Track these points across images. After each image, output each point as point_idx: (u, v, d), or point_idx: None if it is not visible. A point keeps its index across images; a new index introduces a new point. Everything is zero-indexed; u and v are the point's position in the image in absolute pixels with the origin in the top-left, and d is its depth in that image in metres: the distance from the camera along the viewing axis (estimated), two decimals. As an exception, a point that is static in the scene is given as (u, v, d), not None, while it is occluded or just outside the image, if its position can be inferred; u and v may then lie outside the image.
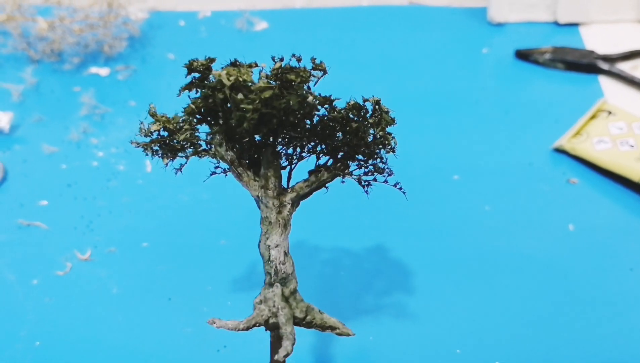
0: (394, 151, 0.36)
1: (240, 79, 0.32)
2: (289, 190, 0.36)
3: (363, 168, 0.37)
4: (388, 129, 0.36)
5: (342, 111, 0.35)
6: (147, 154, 0.36)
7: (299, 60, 0.34)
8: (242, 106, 0.32)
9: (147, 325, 0.47)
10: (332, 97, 0.35)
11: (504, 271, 0.50)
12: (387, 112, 0.36)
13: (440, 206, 0.54)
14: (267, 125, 0.33)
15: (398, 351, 0.45)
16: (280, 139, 0.35)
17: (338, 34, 0.72)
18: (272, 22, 0.73)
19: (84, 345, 0.46)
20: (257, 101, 0.32)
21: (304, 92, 0.33)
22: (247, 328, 0.37)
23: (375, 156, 0.36)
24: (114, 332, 0.46)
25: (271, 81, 0.33)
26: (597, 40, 0.69)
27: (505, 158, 0.58)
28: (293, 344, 0.36)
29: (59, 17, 0.68)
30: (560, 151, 0.58)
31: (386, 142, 0.35)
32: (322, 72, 0.35)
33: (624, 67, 0.65)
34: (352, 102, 0.35)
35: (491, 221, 0.53)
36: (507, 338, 0.46)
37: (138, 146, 0.36)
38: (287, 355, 0.36)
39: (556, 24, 0.71)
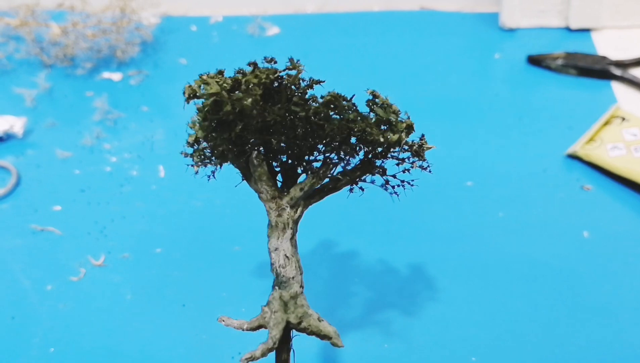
0: (421, 154, 0.36)
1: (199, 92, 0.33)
2: (285, 194, 0.36)
3: (382, 175, 0.36)
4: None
5: (322, 101, 0.34)
6: (195, 164, 0.36)
7: (269, 61, 0.34)
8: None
9: (162, 332, 0.47)
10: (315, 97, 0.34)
11: (519, 278, 0.49)
12: (383, 106, 0.35)
13: (453, 212, 0.54)
14: (228, 129, 0.33)
15: (413, 359, 0.45)
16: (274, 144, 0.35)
17: (349, 39, 0.72)
18: (283, 27, 0.74)
19: (98, 352, 0.46)
20: (206, 109, 0.33)
21: (257, 94, 0.33)
22: (252, 329, 0.37)
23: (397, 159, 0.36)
24: (128, 339, 0.46)
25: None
26: (609, 45, 0.69)
27: (518, 164, 0.58)
28: (269, 348, 0.36)
29: (72, 22, 0.68)
30: (573, 157, 0.58)
31: (399, 140, 0.35)
32: (296, 71, 0.34)
33: (637, 73, 0.65)
34: (331, 93, 0.34)
35: (505, 228, 0.53)
36: (522, 346, 0.45)
37: (187, 156, 0.36)
38: (251, 358, 0.36)
39: (568, 29, 0.71)
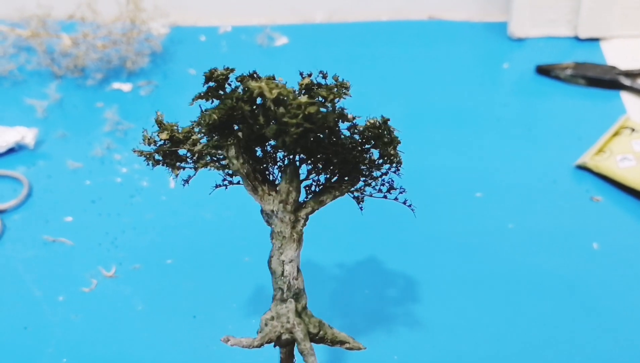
0: (399, 170, 0.36)
1: (284, 93, 0.32)
2: (304, 205, 0.36)
3: (372, 186, 0.37)
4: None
5: (373, 123, 0.34)
6: (148, 164, 0.35)
7: (325, 76, 0.34)
8: (284, 120, 0.31)
9: (173, 343, 0.47)
10: (353, 116, 0.35)
11: (528, 290, 0.49)
12: (393, 131, 0.35)
13: (462, 223, 0.54)
14: (303, 140, 0.32)
15: (423, 371, 0.45)
16: (301, 155, 0.35)
17: (358, 49, 0.72)
18: (292, 37, 0.74)
19: (110, 362, 0.46)
20: (300, 116, 0.31)
21: (338, 109, 0.33)
22: (261, 345, 0.37)
23: (383, 174, 0.36)
24: (140, 350, 0.47)
25: (319, 98, 0.33)
26: (618, 55, 0.69)
27: (527, 175, 0.58)
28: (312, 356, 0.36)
29: (83, 33, 0.69)
30: (583, 168, 0.58)
31: (395, 160, 0.35)
32: (346, 90, 0.34)
33: (647, 83, 0.65)
34: (383, 118, 0.35)
35: (514, 239, 0.53)
36: (532, 358, 0.45)
37: (141, 155, 0.35)
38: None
39: (577, 39, 0.71)
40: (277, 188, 0.35)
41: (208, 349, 0.47)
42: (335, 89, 0.33)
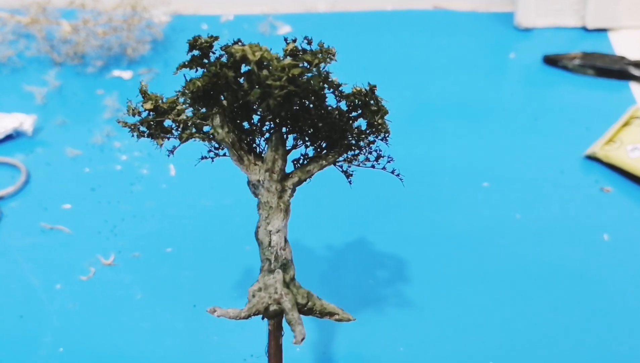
0: (386, 139, 0.35)
1: (267, 56, 0.31)
2: (291, 175, 0.35)
3: (359, 155, 0.36)
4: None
5: (360, 90, 0.34)
6: (132, 135, 0.35)
7: (309, 42, 0.33)
8: (267, 82, 0.31)
9: (172, 333, 0.46)
10: (338, 82, 0.34)
11: (537, 282, 0.48)
12: (380, 101, 0.35)
13: (470, 214, 0.53)
14: (288, 104, 0.32)
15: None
16: (287, 125, 0.34)
17: (362, 39, 0.71)
18: (295, 26, 0.73)
19: (108, 352, 0.45)
20: (284, 78, 0.31)
21: (324, 72, 0.32)
22: (248, 317, 0.36)
23: (370, 143, 0.35)
24: (139, 339, 0.46)
25: (304, 63, 0.32)
26: (627, 45, 0.68)
27: (536, 165, 0.57)
28: (303, 334, 0.35)
29: (83, 20, 0.68)
30: (592, 158, 0.57)
31: (383, 129, 0.34)
32: (332, 55, 0.34)
33: (656, 73, 0.64)
34: (358, 88, 0.34)
35: (522, 230, 0.52)
36: (541, 350, 0.44)
37: (125, 126, 0.35)
38: (303, 338, 0.34)
39: (584, 29, 0.70)
40: (263, 157, 0.35)
41: (208, 338, 0.46)
42: (320, 54, 0.33)
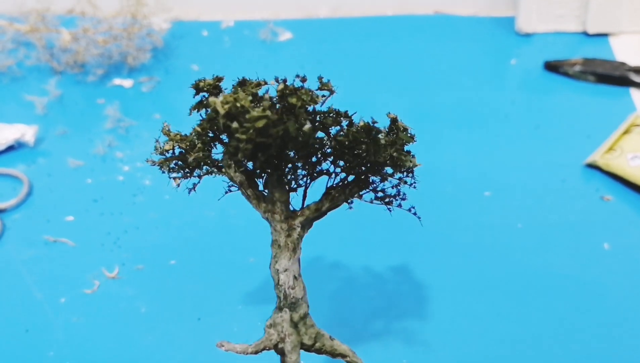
0: (411, 173, 0.35)
1: (238, 105, 0.30)
2: (299, 213, 0.35)
3: (375, 191, 0.36)
4: (408, 147, 0.34)
5: (352, 131, 0.33)
6: (163, 172, 0.36)
7: (303, 80, 0.33)
8: (236, 135, 0.31)
9: (177, 346, 0.46)
10: (348, 113, 0.34)
11: (537, 291, 0.49)
12: (404, 130, 0.34)
13: (471, 223, 0.53)
14: (264, 153, 0.32)
15: (432, 375, 0.44)
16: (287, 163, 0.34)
17: (363, 44, 0.71)
18: (296, 32, 0.73)
19: (114, 366, 0.45)
20: (251, 131, 0.30)
21: (304, 118, 0.32)
22: (256, 352, 0.36)
23: (386, 178, 0.35)
24: (143, 353, 0.46)
25: (275, 106, 0.31)
26: (628, 51, 0.68)
27: (537, 173, 0.57)
28: None
29: (83, 28, 0.68)
30: (593, 166, 0.57)
31: (399, 163, 0.33)
32: (329, 92, 0.33)
33: (657, 79, 0.64)
34: (362, 123, 0.33)
35: (523, 239, 0.52)
36: (541, 359, 0.45)
37: (154, 165, 0.35)
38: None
39: (585, 34, 0.70)
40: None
41: (213, 352, 0.46)
42: (308, 95, 0.32)
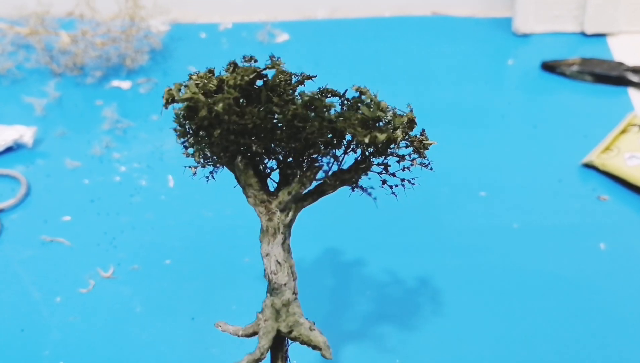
0: (380, 149, 0.33)
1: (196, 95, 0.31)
2: (274, 197, 0.35)
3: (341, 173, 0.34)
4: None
5: (292, 108, 0.31)
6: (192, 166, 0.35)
7: (248, 60, 0.33)
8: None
9: (171, 345, 0.46)
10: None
11: (533, 291, 0.48)
12: (372, 106, 0.32)
13: (467, 223, 0.53)
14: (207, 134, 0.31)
15: (426, 374, 0.44)
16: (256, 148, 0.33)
17: (360, 45, 0.71)
18: (293, 34, 0.73)
19: (108, 365, 0.45)
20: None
21: (231, 97, 0.31)
22: (247, 336, 0.36)
23: (338, 159, 0.33)
24: (138, 352, 0.46)
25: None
26: (625, 51, 0.68)
27: (533, 173, 0.57)
28: (256, 359, 0.36)
29: (82, 30, 0.68)
30: (589, 166, 0.57)
31: (357, 139, 0.32)
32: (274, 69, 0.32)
33: (655, 79, 0.64)
34: (306, 97, 0.32)
35: (519, 239, 0.52)
36: (537, 358, 0.44)
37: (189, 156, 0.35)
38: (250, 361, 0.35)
39: (583, 34, 0.70)
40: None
41: (207, 351, 0.46)
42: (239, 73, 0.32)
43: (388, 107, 0.33)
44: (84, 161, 0.60)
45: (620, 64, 0.65)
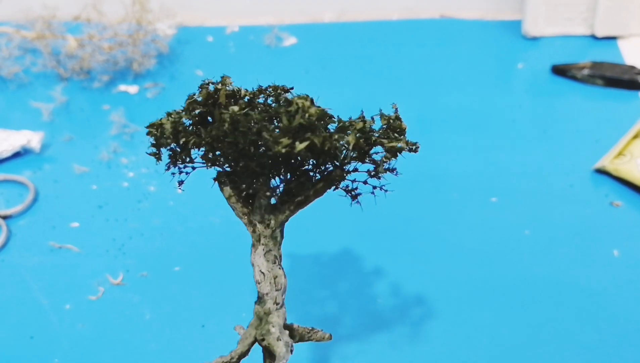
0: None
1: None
2: (249, 210, 0.36)
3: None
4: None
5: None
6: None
7: (206, 85, 0.34)
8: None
9: (181, 353, 0.46)
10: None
11: (545, 298, 0.48)
12: (297, 111, 0.32)
13: (477, 229, 0.53)
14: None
15: (438, 383, 0.44)
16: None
17: (368, 49, 0.71)
18: (300, 37, 0.73)
19: (118, 373, 0.45)
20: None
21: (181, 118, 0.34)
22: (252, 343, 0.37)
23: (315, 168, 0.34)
24: (148, 360, 0.46)
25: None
26: (637, 54, 0.67)
27: (544, 179, 0.56)
28: (225, 362, 0.37)
29: (89, 34, 0.68)
30: (602, 172, 0.56)
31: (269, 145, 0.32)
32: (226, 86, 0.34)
33: (667, 83, 0.63)
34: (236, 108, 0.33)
35: (531, 246, 0.51)
36: (550, 370, 0.44)
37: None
38: None
39: (594, 37, 0.70)
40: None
41: (216, 358, 0.46)
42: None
43: (316, 114, 0.32)
44: (92, 167, 0.60)
45: (632, 67, 0.64)
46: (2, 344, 0.47)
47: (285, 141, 0.31)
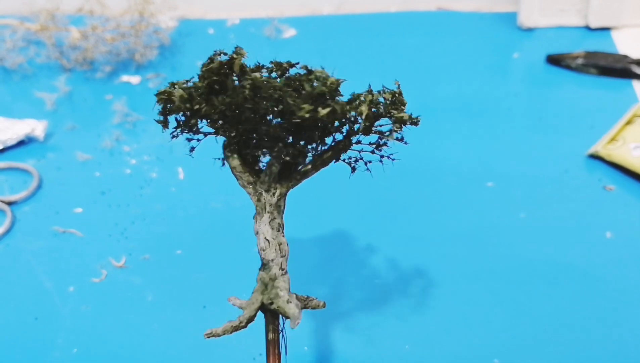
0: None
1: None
2: (258, 178, 0.37)
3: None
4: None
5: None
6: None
7: (218, 54, 0.36)
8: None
9: (183, 333, 0.47)
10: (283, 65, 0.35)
11: (540, 281, 0.49)
12: (307, 80, 0.33)
13: (473, 213, 0.54)
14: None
15: (434, 361, 0.44)
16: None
17: (366, 41, 0.72)
18: (300, 29, 0.74)
19: (120, 353, 0.46)
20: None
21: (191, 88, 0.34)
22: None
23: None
24: (150, 340, 0.47)
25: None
26: (630, 44, 0.68)
27: (539, 164, 0.57)
28: (234, 326, 0.37)
29: (92, 26, 0.69)
30: (595, 157, 0.57)
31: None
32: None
33: (659, 71, 0.64)
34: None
35: (526, 230, 0.52)
36: (544, 349, 0.45)
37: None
38: (212, 334, 0.37)
39: (587, 28, 0.71)
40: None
41: (218, 340, 0.46)
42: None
43: (336, 83, 0.34)
44: (95, 154, 0.61)
45: (625, 56, 0.65)
46: (8, 325, 0.48)
47: (307, 106, 0.32)
